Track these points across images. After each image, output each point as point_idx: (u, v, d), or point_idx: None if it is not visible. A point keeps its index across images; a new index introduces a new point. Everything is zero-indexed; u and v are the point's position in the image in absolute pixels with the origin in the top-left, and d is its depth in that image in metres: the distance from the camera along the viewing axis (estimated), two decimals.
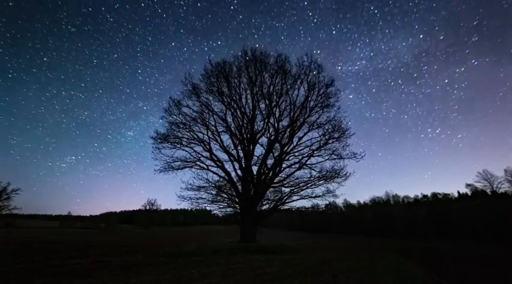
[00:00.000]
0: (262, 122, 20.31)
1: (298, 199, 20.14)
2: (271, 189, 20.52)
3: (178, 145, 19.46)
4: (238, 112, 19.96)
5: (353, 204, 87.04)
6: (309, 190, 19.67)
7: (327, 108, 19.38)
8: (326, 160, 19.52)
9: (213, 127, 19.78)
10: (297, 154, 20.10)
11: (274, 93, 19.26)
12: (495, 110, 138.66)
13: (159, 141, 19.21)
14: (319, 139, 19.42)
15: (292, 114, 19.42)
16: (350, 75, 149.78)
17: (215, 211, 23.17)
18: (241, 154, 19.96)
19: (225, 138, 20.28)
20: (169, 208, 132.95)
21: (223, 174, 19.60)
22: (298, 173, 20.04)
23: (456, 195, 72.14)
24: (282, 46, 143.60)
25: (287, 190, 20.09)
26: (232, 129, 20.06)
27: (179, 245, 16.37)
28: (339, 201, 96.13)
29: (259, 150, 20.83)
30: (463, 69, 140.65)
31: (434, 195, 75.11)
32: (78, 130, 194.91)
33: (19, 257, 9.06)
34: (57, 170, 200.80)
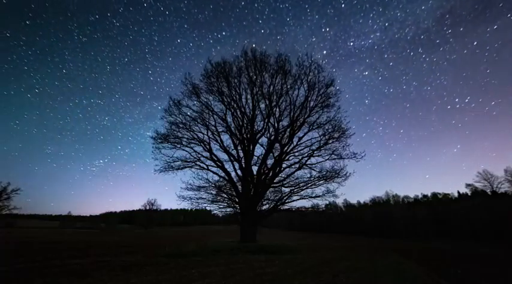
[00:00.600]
0: (262, 122, 20.34)
1: (298, 199, 20.16)
2: (271, 189, 20.52)
3: (178, 145, 19.47)
4: (238, 112, 19.96)
5: (353, 203, 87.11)
6: (309, 190, 19.70)
7: (327, 108, 19.40)
8: (326, 160, 19.54)
9: (213, 127, 19.80)
10: (297, 154, 20.12)
11: (274, 93, 19.27)
12: None
13: (159, 141, 19.23)
14: (319, 139, 19.44)
15: (292, 114, 19.43)
16: (364, 50, 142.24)
17: (215, 211, 23.18)
18: (241, 154, 19.96)
19: (225, 138, 20.30)
20: (169, 208, 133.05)
21: (223, 174, 19.62)
22: (298, 173, 20.07)
23: (456, 195, 72.15)
24: (288, 28, 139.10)
25: (287, 190, 20.12)
26: (232, 129, 20.07)
27: (179, 245, 16.37)
28: (339, 201, 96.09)
29: (259, 150, 20.85)
30: (495, 27, 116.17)
31: (434, 195, 75.14)
32: (102, 135, 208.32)
33: (19, 257, 9.07)
34: (88, 173, 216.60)
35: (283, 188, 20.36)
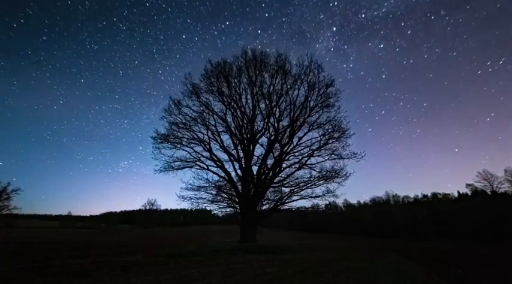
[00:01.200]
0: (262, 122, 20.33)
1: (298, 199, 20.16)
2: (271, 189, 20.52)
3: (179, 145, 19.46)
4: (238, 112, 19.96)
5: (353, 204, 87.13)
6: (309, 190, 19.70)
7: (327, 108, 19.40)
8: (326, 160, 19.55)
9: (213, 127, 19.80)
10: (297, 154, 20.12)
11: (274, 93, 19.27)
12: None
13: (159, 141, 19.22)
14: (319, 139, 19.44)
15: (292, 114, 19.43)
16: (377, 21, 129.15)
17: (215, 211, 23.18)
18: (241, 154, 19.97)
19: (225, 138, 20.30)
20: (169, 208, 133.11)
21: (223, 174, 19.62)
22: (298, 173, 20.07)
23: (456, 195, 72.15)
24: (292, 8, 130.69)
25: (287, 190, 20.12)
26: (232, 129, 20.07)
27: (179, 245, 16.37)
28: (339, 201, 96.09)
29: (259, 150, 20.84)
30: None
31: (434, 195, 75.13)
32: (124, 138, 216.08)
33: (19, 257, 9.07)
34: (116, 175, 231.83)
35: (283, 188, 20.39)
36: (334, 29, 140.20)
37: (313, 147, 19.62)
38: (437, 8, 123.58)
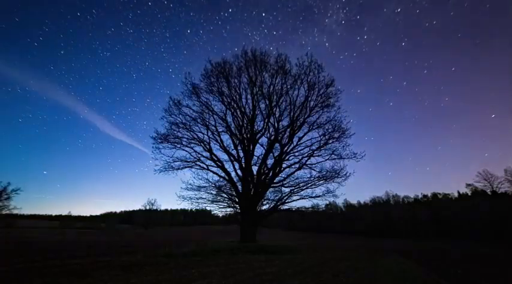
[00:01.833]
0: (262, 122, 20.35)
1: (298, 199, 20.20)
2: (271, 189, 20.53)
3: (179, 145, 19.48)
4: (238, 112, 19.96)
5: (353, 204, 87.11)
6: (309, 190, 19.72)
7: (327, 108, 19.42)
8: (326, 160, 19.57)
9: (213, 127, 19.81)
10: (297, 154, 20.14)
11: (274, 93, 19.28)
12: None
13: (159, 141, 19.23)
14: (319, 139, 19.47)
15: (292, 114, 19.44)
16: None
17: (215, 211, 23.27)
18: (241, 154, 19.97)
19: (225, 138, 20.31)
20: (169, 208, 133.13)
21: (223, 174, 19.63)
22: (298, 173, 20.09)
23: (456, 195, 72.13)
24: None
25: (287, 190, 20.13)
26: (232, 129, 20.07)
27: (179, 245, 16.36)
28: (339, 201, 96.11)
29: (259, 150, 20.85)
30: None
31: (434, 195, 75.11)
32: (146, 139, 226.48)
33: (19, 257, 9.06)
34: (147, 176, 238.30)
35: (283, 188, 20.40)
36: None
37: (313, 147, 19.66)
38: None
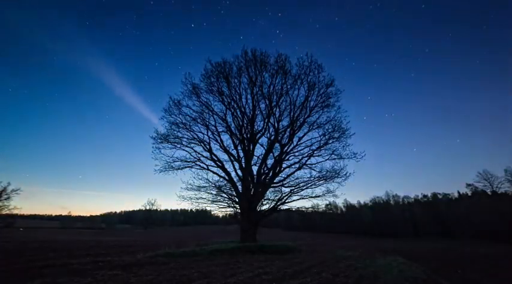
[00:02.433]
0: (262, 122, 20.31)
1: (298, 199, 20.15)
2: (271, 189, 20.51)
3: (179, 145, 19.47)
4: (238, 112, 19.95)
5: (353, 204, 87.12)
6: (309, 190, 19.69)
7: (327, 108, 19.41)
8: (326, 160, 19.56)
9: (213, 127, 19.79)
10: (297, 154, 20.13)
11: (274, 93, 19.25)
12: None
13: (159, 141, 19.23)
14: (319, 139, 19.45)
15: (292, 114, 19.43)
16: None
17: (215, 211, 23.21)
18: (241, 154, 19.96)
19: (225, 138, 20.29)
20: (169, 208, 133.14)
21: (223, 174, 19.61)
22: (298, 173, 20.05)
23: (456, 195, 72.14)
24: None
25: (287, 190, 20.10)
26: (232, 129, 20.06)
27: (179, 245, 16.36)
28: (339, 201, 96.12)
29: (259, 150, 20.83)
30: None
31: (434, 195, 75.13)
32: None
33: (19, 257, 9.06)
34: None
35: (283, 188, 20.37)
36: None
37: (313, 147, 19.65)
38: None
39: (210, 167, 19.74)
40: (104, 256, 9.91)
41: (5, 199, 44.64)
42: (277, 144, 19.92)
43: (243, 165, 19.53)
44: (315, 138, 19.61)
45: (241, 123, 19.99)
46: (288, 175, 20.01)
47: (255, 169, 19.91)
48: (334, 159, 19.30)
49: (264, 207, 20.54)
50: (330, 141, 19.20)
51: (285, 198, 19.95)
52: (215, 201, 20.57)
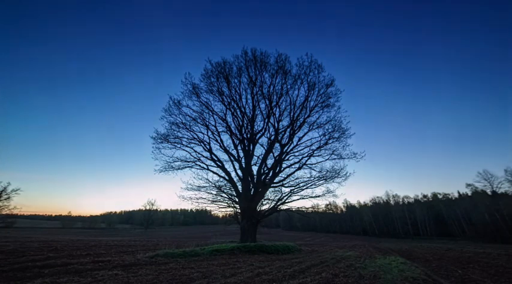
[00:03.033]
0: (262, 122, 20.36)
1: (298, 199, 20.23)
2: (271, 189, 20.54)
3: (179, 145, 19.50)
4: (238, 112, 19.98)
5: (353, 204, 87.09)
6: (309, 190, 19.75)
7: (327, 108, 19.47)
8: (326, 160, 19.62)
9: (213, 127, 19.83)
10: (297, 154, 20.16)
11: (275, 93, 19.29)
12: None
13: (159, 141, 19.25)
14: (319, 139, 19.51)
15: (292, 114, 19.46)
16: None
17: (215, 211, 23.21)
18: (241, 154, 19.98)
19: (225, 138, 20.36)
20: (169, 208, 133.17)
21: (223, 174, 19.64)
22: (298, 173, 20.13)
23: (456, 195, 72.11)
24: None
25: (287, 190, 20.16)
26: (232, 129, 20.09)
27: (179, 245, 16.36)
28: (339, 201, 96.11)
29: (259, 150, 20.87)
30: None
31: (434, 195, 75.10)
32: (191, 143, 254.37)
33: (19, 257, 9.06)
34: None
35: (283, 188, 20.42)
36: None
37: (313, 147, 19.70)
38: None
39: (210, 167, 19.80)
40: (104, 256, 9.92)
41: (5, 199, 44.67)
42: (277, 144, 19.94)
43: (243, 165, 19.55)
44: (315, 138, 19.69)
45: (241, 123, 20.01)
46: (288, 175, 20.06)
47: (255, 169, 19.96)
48: (334, 159, 19.37)
49: (264, 207, 20.60)
50: (330, 141, 19.28)
51: (285, 198, 20.00)
52: (215, 201, 20.61)
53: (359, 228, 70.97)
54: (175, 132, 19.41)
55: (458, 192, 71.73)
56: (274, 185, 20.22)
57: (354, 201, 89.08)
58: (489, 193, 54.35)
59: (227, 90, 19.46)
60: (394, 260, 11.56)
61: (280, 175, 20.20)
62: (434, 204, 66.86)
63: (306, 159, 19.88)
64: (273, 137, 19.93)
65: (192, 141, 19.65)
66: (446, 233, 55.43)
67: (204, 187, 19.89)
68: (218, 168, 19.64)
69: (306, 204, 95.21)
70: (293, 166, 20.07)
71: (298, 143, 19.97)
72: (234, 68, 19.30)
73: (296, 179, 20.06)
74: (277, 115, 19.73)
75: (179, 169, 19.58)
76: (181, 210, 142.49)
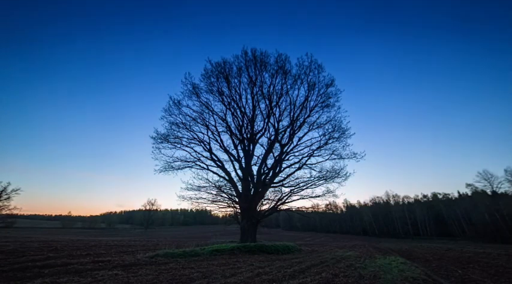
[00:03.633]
0: (262, 122, 20.37)
1: (298, 199, 20.23)
2: (271, 189, 20.54)
3: (179, 145, 19.49)
4: (239, 112, 19.98)
5: (353, 204, 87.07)
6: (309, 190, 19.75)
7: (327, 108, 19.47)
8: (326, 160, 19.62)
9: (213, 127, 19.83)
10: (297, 154, 20.15)
11: (274, 93, 19.29)
12: None
13: (159, 141, 19.24)
14: (319, 139, 19.51)
15: (292, 114, 19.47)
16: None
17: (215, 211, 23.20)
18: (241, 154, 19.98)
19: (225, 138, 20.36)
20: (169, 208, 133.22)
21: (223, 174, 19.64)
22: (298, 173, 20.12)
23: (456, 195, 72.09)
24: None
25: (287, 190, 20.15)
26: (232, 129, 20.09)
27: (179, 245, 16.36)
28: (339, 201, 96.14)
29: (259, 150, 20.88)
30: None
31: (434, 195, 75.09)
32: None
33: (19, 257, 9.06)
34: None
35: (283, 188, 20.42)
36: None
37: (313, 147, 19.70)
38: None
39: (210, 167, 19.80)
40: (104, 256, 9.92)
41: (5, 199, 44.67)
42: (277, 144, 19.94)
43: (243, 165, 19.55)
44: (315, 138, 19.69)
45: (241, 123, 20.01)
46: (288, 175, 20.06)
47: (255, 169, 19.96)
48: (334, 159, 19.37)
49: (264, 207, 20.60)
50: (330, 141, 19.29)
51: (285, 198, 19.99)
52: (215, 201, 20.62)
53: (359, 228, 70.99)
54: (175, 132, 19.44)
55: (458, 192, 71.77)
56: (274, 185, 20.22)
57: (354, 201, 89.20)
58: (489, 193, 54.34)
59: (227, 90, 19.48)
60: (394, 260, 11.56)
61: (280, 175, 20.23)
62: (434, 204, 66.88)
63: (306, 159, 19.92)
64: (273, 137, 19.94)
65: (192, 141, 19.67)
66: (446, 233, 55.44)
67: (204, 187, 19.91)
68: (218, 168, 19.66)
69: (306, 204, 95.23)
70: (293, 166, 20.10)
71: (298, 143, 19.99)
72: (234, 67, 19.33)
73: (296, 179, 20.09)
74: (277, 115, 19.75)
75: (179, 169, 19.60)
76: (181, 209, 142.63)
